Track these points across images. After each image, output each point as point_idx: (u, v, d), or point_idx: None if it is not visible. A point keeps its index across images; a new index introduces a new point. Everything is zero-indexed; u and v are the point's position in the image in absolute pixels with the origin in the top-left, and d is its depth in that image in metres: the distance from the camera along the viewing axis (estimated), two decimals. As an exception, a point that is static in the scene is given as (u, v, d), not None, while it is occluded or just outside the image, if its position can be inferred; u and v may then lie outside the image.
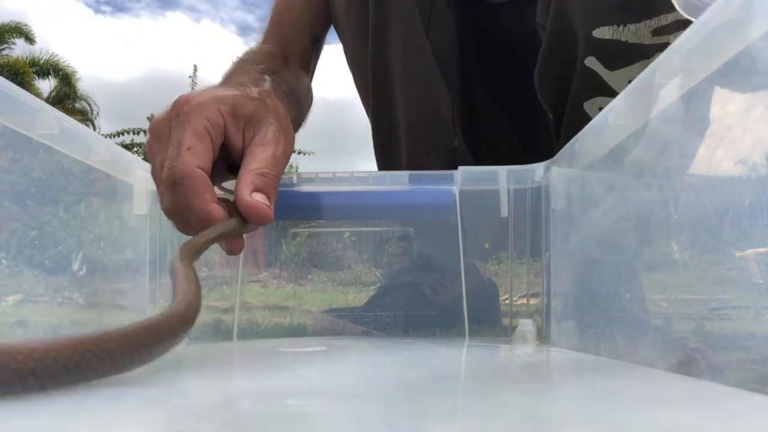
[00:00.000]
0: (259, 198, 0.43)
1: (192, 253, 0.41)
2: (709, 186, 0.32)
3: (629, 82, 0.57)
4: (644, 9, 0.56)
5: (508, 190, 0.60)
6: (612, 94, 0.59)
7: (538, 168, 0.59)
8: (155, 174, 0.47)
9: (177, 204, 0.43)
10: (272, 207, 0.44)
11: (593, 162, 0.48)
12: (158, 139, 0.46)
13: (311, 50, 0.81)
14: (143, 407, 0.25)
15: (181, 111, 0.45)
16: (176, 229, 0.47)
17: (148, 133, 0.48)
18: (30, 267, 0.47)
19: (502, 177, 0.60)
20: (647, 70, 0.37)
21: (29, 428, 0.20)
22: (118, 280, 0.58)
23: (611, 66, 0.58)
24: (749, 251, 0.28)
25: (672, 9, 0.54)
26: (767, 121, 0.27)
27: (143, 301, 0.60)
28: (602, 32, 0.57)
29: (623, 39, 0.56)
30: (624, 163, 0.43)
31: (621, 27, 0.56)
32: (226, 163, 0.47)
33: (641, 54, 0.57)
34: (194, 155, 0.42)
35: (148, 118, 7.86)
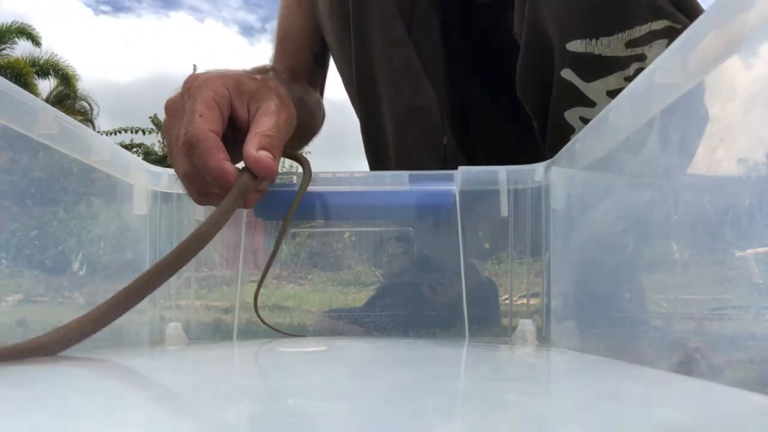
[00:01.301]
0: (264, 153, 0.48)
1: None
2: (709, 186, 0.32)
3: (607, 93, 0.57)
4: (616, 22, 0.55)
5: (508, 190, 0.60)
6: (591, 104, 0.58)
7: (538, 168, 0.59)
8: (171, 146, 0.50)
9: (193, 166, 0.47)
10: (277, 163, 0.49)
11: (593, 162, 0.48)
12: (173, 115, 0.50)
13: (314, 67, 0.83)
14: (143, 407, 0.25)
15: (191, 86, 0.49)
16: (190, 197, 0.52)
17: (164, 112, 0.52)
18: (30, 267, 0.47)
19: (502, 177, 0.60)
20: (647, 70, 0.37)
21: (29, 428, 0.20)
22: (118, 280, 0.58)
23: (587, 78, 0.58)
24: (749, 251, 0.28)
25: (645, 21, 0.54)
26: (767, 122, 0.27)
27: (143, 301, 0.60)
28: (575, 45, 0.56)
29: (597, 52, 0.56)
30: (624, 163, 0.43)
31: (594, 40, 0.55)
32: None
33: (617, 66, 0.56)
34: (206, 120, 0.47)
35: (150, 118, 7.83)
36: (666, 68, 0.34)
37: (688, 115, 0.34)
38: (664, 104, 0.35)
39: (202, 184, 0.49)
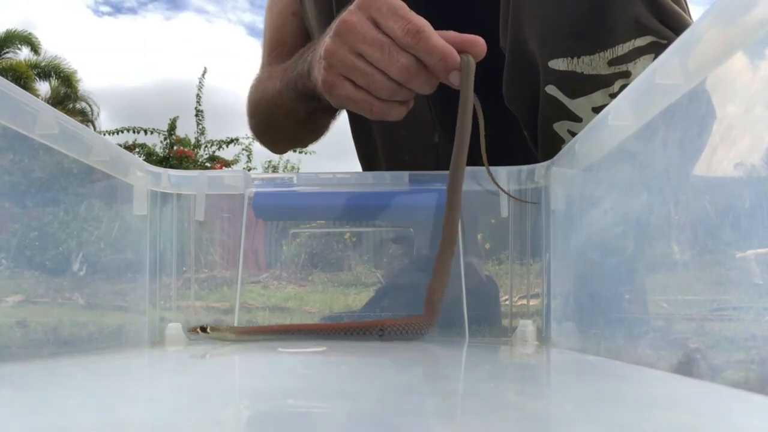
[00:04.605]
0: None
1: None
2: (709, 186, 0.32)
3: (592, 109, 0.56)
4: (597, 41, 0.54)
5: (508, 190, 0.60)
6: (577, 119, 0.58)
7: (538, 168, 0.59)
8: (361, 54, 0.51)
9: (412, 59, 0.50)
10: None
11: (593, 162, 0.48)
12: (351, 30, 0.51)
13: None
14: (143, 406, 0.25)
15: (362, 3, 0.51)
16: (368, 110, 0.54)
17: (336, 34, 0.52)
18: (30, 268, 0.47)
19: (502, 177, 0.60)
20: (648, 70, 0.37)
21: (29, 428, 0.20)
22: (118, 281, 0.58)
23: (571, 95, 0.57)
24: (749, 252, 0.28)
25: (628, 39, 0.53)
26: (767, 122, 0.27)
27: (143, 302, 0.60)
28: (558, 64, 0.56)
29: (579, 70, 0.55)
30: (624, 163, 0.43)
31: (575, 59, 0.55)
32: None
33: (600, 83, 0.55)
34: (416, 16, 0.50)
35: (170, 120, 7.75)
36: (666, 68, 0.34)
37: (688, 115, 0.34)
38: (664, 104, 0.35)
39: (414, 79, 0.51)
